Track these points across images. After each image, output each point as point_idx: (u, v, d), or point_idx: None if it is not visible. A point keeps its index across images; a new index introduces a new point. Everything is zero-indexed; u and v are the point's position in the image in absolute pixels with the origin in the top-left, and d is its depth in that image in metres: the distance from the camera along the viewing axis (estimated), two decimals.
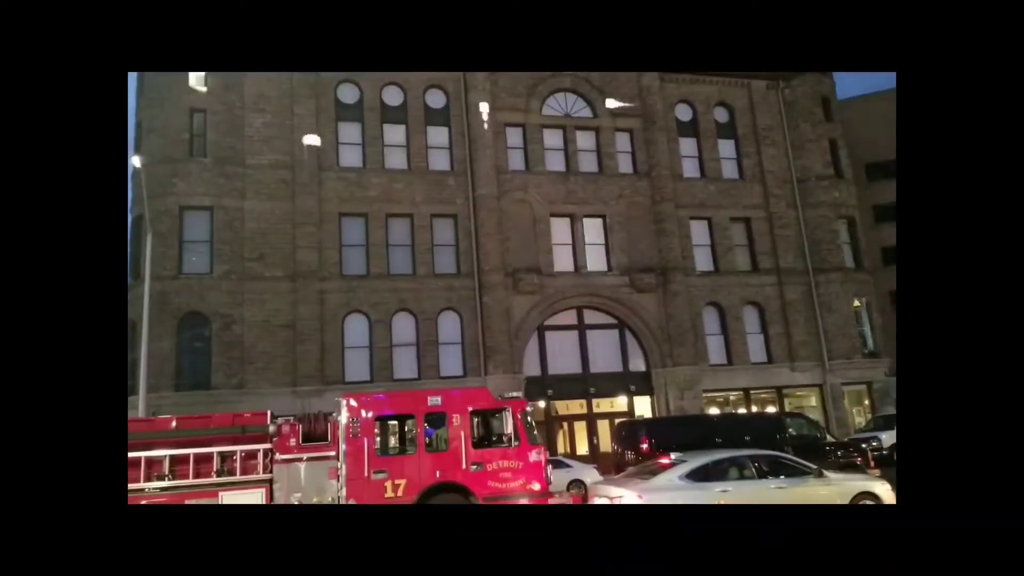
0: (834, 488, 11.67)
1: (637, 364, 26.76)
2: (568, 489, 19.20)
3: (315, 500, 12.12)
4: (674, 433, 18.48)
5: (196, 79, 23.01)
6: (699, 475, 11.32)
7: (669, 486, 11.01)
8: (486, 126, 25.95)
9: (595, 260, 26.89)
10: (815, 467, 12.22)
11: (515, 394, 14.60)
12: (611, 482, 12.34)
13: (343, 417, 12.33)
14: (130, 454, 10.85)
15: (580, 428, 26.17)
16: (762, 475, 11.64)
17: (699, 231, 28.58)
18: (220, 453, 11.90)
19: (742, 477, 11.58)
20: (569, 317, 26.53)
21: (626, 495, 10.91)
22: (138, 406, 17.29)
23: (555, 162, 27.45)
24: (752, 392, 27.79)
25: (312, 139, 23.58)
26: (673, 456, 12.14)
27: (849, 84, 62.64)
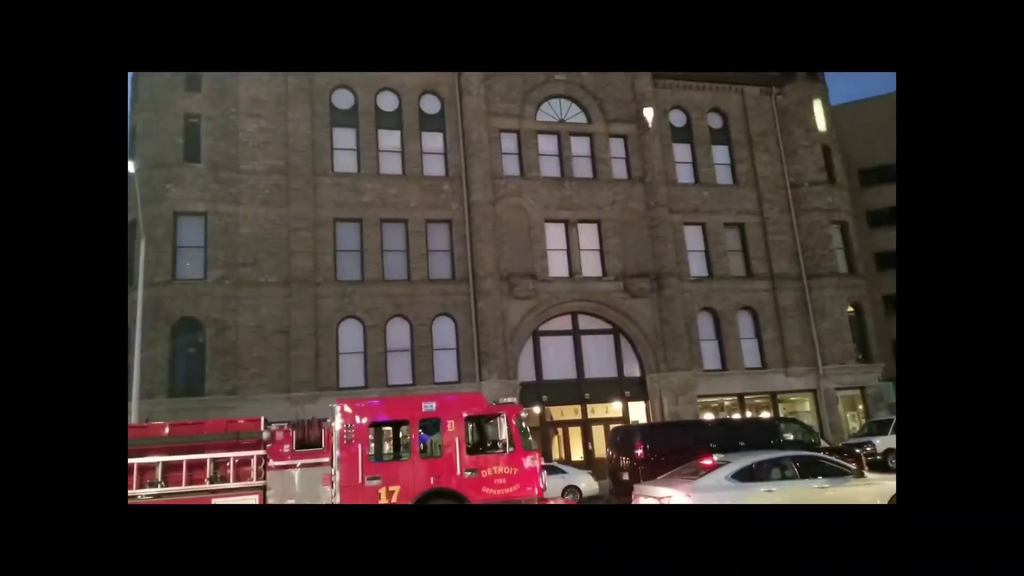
0: (873, 488, 11.74)
1: (632, 369, 26.75)
2: (563, 495, 19.15)
3: None
4: (669, 439, 18.47)
5: (191, 84, 23.00)
6: (745, 475, 11.47)
7: (716, 486, 11.13)
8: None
9: (590, 265, 26.90)
10: (854, 467, 12.35)
11: (510, 400, 14.55)
12: (656, 482, 12.38)
13: (337, 423, 12.27)
14: (127, 460, 10.77)
15: (575, 434, 26.14)
16: (804, 475, 11.74)
17: (693, 236, 28.63)
18: (213, 460, 11.83)
19: (784, 477, 11.72)
20: (564, 322, 26.52)
21: (675, 495, 11.00)
22: (131, 412, 17.18)
23: (550, 168, 27.48)
24: (746, 397, 27.82)
25: None
26: (716, 457, 12.27)
27: (842, 90, 63.03)
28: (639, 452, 17.77)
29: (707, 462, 12.06)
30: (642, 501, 11.82)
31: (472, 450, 12.74)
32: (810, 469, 11.97)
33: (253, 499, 11.81)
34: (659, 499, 11.26)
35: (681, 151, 29.52)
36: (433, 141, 26.59)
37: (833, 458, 13.21)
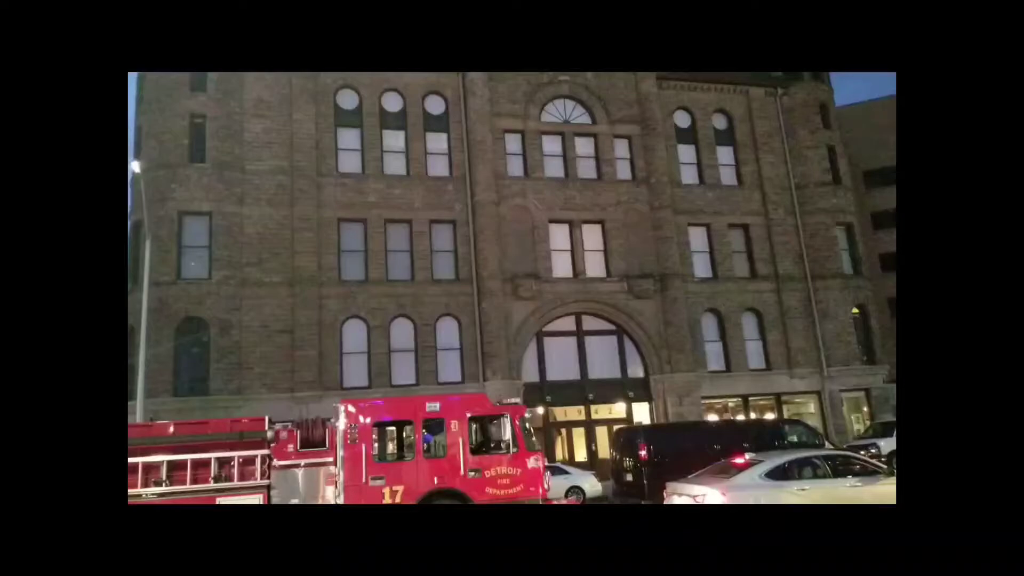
0: None
1: (636, 370, 26.72)
2: (566, 496, 19.14)
3: None
4: (672, 440, 18.46)
5: (196, 84, 23.08)
6: (778, 474, 11.50)
7: (751, 484, 11.16)
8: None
9: (594, 266, 26.90)
10: (885, 467, 12.36)
11: (513, 400, 14.55)
12: (689, 481, 12.41)
13: (341, 423, 12.30)
14: (127, 460, 10.80)
15: (578, 434, 26.12)
16: (836, 474, 11.75)
17: (697, 237, 28.60)
18: (218, 459, 11.86)
19: (817, 476, 11.72)
20: (568, 323, 26.50)
21: (710, 493, 11.02)
22: (136, 411, 17.24)
23: (554, 168, 27.49)
24: (751, 399, 27.76)
25: None
26: (748, 456, 12.27)
27: (847, 91, 62.91)
28: (643, 453, 17.76)
29: (739, 460, 12.12)
30: (675, 500, 11.83)
31: (476, 450, 12.76)
32: (842, 468, 12.00)
33: (257, 499, 11.83)
34: (694, 497, 11.30)
35: (685, 152, 29.49)
36: (437, 142, 26.63)
37: (865, 458, 13.23)
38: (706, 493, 11.11)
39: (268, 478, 12.02)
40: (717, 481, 11.53)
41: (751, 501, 10.57)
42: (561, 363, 26.02)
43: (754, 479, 11.31)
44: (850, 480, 11.59)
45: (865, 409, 28.96)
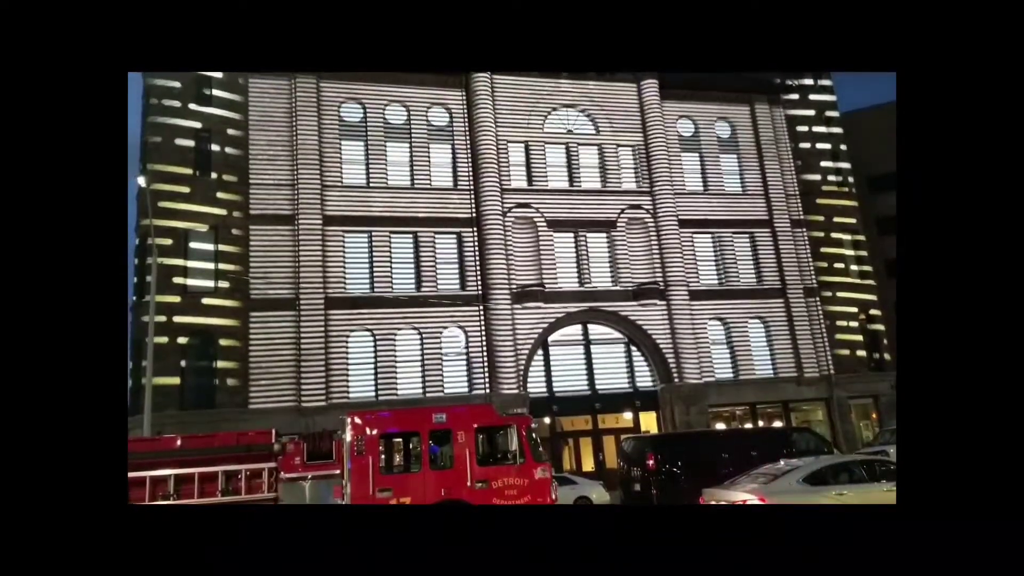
0: None
1: (642, 379, 26.67)
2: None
3: None
4: (680, 449, 18.37)
5: (201, 98, 23.25)
6: (816, 479, 11.45)
7: (789, 489, 11.10)
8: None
9: (599, 276, 26.90)
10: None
11: (520, 410, 14.53)
12: (726, 487, 12.35)
13: (348, 435, 12.29)
14: (135, 473, 10.82)
15: (586, 444, 26.03)
16: (872, 478, 11.70)
17: (702, 245, 28.60)
18: (225, 472, 11.88)
19: (853, 480, 11.68)
20: (574, 333, 26.49)
21: (750, 500, 11.00)
22: (143, 425, 17.26)
23: (558, 178, 27.56)
24: (758, 407, 27.65)
25: None
26: (783, 463, 12.23)
27: (851, 97, 62.95)
28: (651, 463, 17.67)
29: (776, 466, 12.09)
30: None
31: (483, 461, 12.72)
32: (877, 472, 11.97)
33: None
34: (733, 503, 11.26)
35: (689, 160, 29.55)
36: (441, 153, 26.75)
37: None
38: (746, 499, 11.09)
39: (275, 491, 12.03)
40: (755, 487, 11.48)
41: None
42: (568, 373, 26.00)
43: (792, 484, 11.27)
44: (885, 484, 11.55)
45: (873, 416, 28.82)
